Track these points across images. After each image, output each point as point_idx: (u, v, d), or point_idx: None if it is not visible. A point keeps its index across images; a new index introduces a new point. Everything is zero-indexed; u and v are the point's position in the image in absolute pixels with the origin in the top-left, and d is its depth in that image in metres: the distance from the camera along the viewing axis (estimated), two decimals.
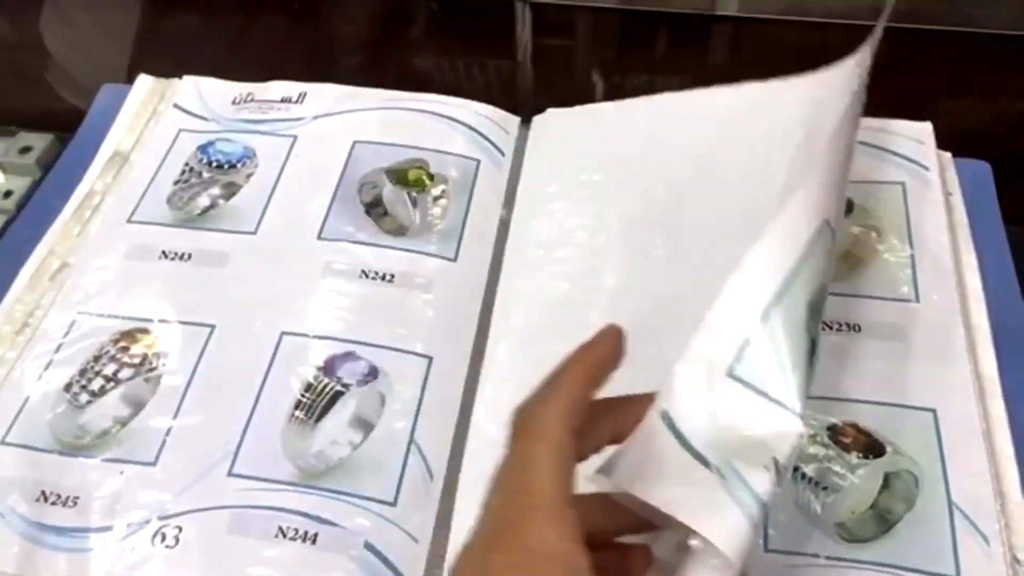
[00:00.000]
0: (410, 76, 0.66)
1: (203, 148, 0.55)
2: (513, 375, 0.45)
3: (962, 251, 0.49)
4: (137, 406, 0.45)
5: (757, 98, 0.51)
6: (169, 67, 0.62)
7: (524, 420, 0.29)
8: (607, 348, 0.31)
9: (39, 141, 0.63)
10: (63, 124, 0.64)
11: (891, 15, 0.43)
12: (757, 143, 0.49)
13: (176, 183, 0.54)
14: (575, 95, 0.60)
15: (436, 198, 0.52)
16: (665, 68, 0.69)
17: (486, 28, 0.71)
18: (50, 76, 0.73)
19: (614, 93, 0.66)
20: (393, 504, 0.41)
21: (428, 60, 0.70)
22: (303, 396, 0.44)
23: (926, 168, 0.52)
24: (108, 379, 0.45)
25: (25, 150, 0.63)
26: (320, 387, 0.45)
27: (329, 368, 0.45)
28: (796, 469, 0.41)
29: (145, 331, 0.47)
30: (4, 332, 0.48)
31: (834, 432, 0.42)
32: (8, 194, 0.61)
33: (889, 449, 0.41)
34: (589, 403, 0.30)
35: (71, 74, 0.73)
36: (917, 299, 0.47)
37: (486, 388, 0.45)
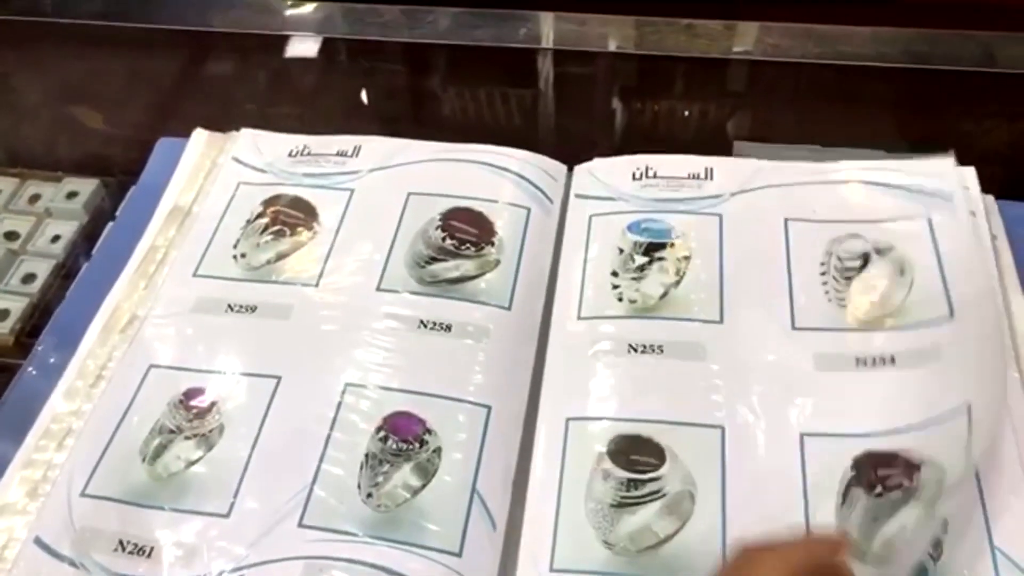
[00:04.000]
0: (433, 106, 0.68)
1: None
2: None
3: (1010, 293, 0.50)
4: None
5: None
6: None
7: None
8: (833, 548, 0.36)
9: (85, 186, 0.65)
10: (104, 170, 0.66)
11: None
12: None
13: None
14: (595, 120, 0.60)
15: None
16: (684, 97, 0.71)
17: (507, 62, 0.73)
18: (92, 124, 0.75)
19: (633, 119, 0.68)
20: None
21: (450, 90, 0.72)
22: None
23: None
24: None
25: (72, 195, 0.65)
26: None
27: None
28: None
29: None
30: (79, 387, 0.50)
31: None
32: (56, 239, 0.63)
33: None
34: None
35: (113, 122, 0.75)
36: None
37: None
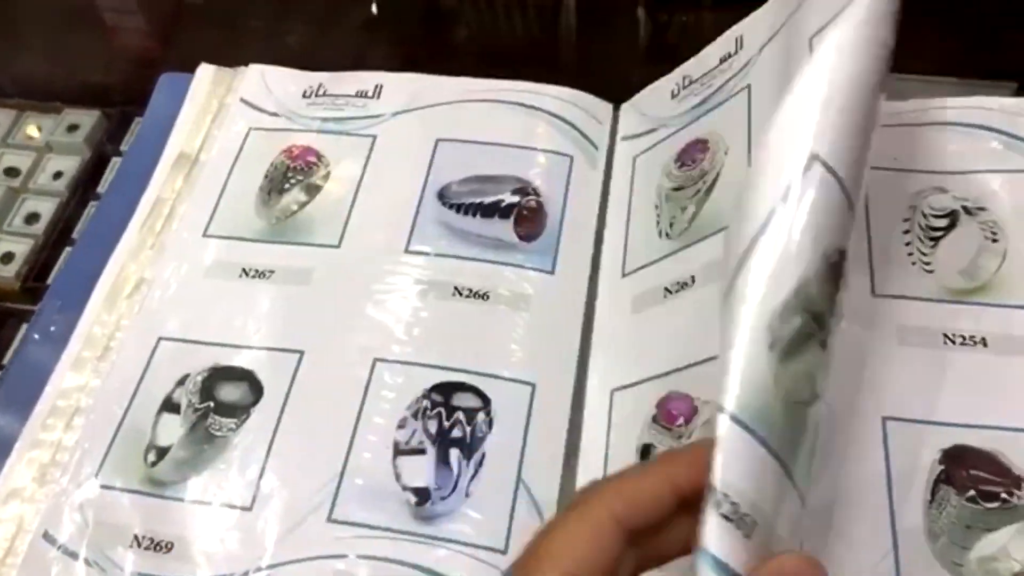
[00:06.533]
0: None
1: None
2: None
3: None
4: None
5: None
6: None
7: (576, 495, 0.28)
8: (691, 470, 0.27)
9: (86, 118, 0.61)
10: (103, 100, 0.62)
11: None
12: None
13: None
14: (619, 34, 0.57)
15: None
16: (714, 6, 0.64)
17: None
18: (90, 51, 0.69)
19: (660, 32, 0.62)
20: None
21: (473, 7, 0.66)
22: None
23: None
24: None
25: (72, 128, 0.61)
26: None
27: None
28: None
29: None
30: (86, 357, 0.46)
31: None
32: (58, 175, 0.60)
33: None
34: (654, 508, 0.27)
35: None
36: None
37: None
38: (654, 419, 0.41)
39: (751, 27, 0.49)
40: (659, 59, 0.62)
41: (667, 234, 0.46)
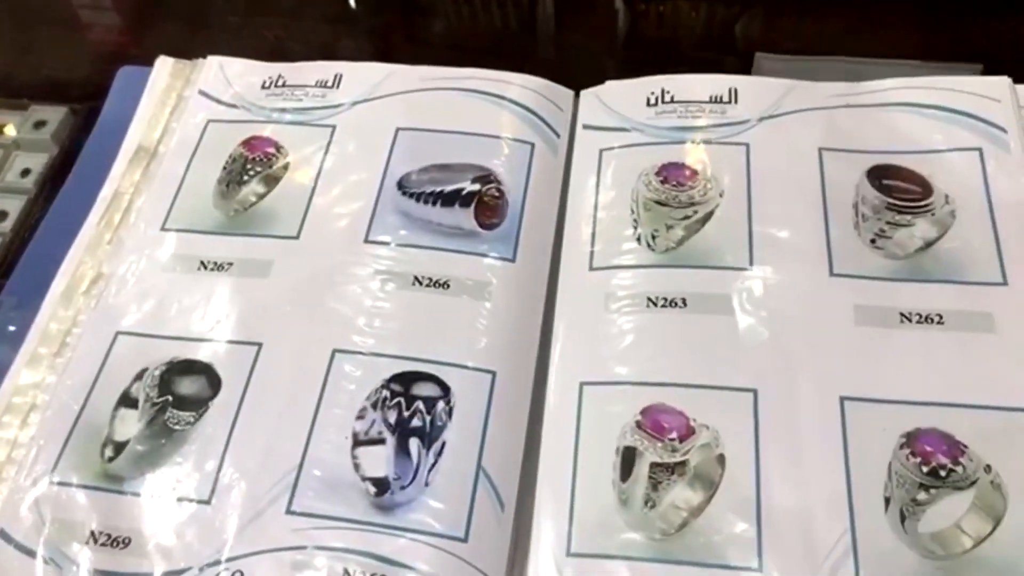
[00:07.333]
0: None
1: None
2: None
3: None
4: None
5: None
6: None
7: None
8: None
9: (53, 114, 0.61)
10: (71, 96, 0.61)
11: None
12: None
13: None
14: (597, 24, 0.57)
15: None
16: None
17: None
18: (58, 46, 0.69)
19: (638, 21, 0.63)
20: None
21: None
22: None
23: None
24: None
25: (39, 124, 0.61)
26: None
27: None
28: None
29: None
30: (42, 354, 0.46)
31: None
32: (26, 172, 0.59)
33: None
34: None
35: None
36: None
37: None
38: (638, 424, 0.40)
39: (747, 88, 0.50)
40: (638, 49, 0.62)
41: (649, 244, 0.45)
